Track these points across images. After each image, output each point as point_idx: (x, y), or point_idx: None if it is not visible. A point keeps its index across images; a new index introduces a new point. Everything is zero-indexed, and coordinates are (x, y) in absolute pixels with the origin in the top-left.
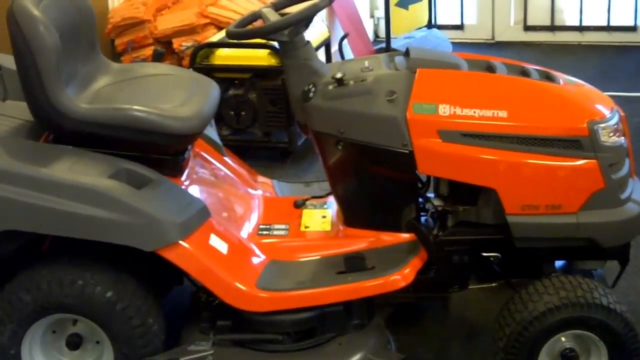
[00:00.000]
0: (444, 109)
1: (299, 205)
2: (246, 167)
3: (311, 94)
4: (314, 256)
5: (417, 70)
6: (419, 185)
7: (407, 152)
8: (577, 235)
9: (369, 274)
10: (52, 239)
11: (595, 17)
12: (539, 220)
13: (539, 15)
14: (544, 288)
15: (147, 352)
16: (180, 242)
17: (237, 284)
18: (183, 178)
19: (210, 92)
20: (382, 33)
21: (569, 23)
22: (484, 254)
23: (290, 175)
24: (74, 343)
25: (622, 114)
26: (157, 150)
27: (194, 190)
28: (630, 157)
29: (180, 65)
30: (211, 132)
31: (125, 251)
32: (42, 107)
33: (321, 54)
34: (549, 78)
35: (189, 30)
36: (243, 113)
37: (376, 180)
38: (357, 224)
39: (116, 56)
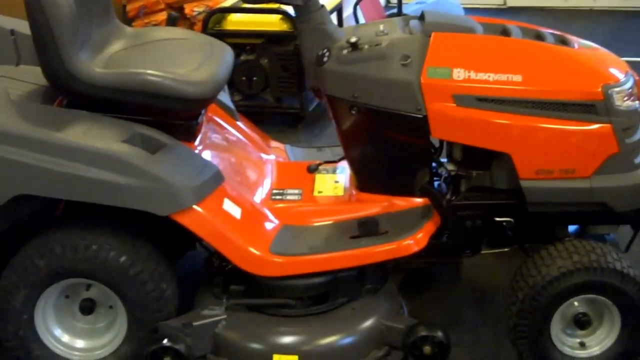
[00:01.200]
0: (459, 73)
1: (312, 170)
2: (259, 132)
3: (325, 59)
4: (327, 221)
5: (432, 34)
6: (432, 149)
7: (421, 116)
8: (590, 200)
9: (382, 239)
10: (65, 204)
11: None
12: (553, 185)
13: None
14: (557, 252)
15: (161, 316)
16: (194, 206)
17: (251, 249)
18: (196, 143)
19: (224, 56)
20: None
21: None
22: (497, 219)
23: (302, 141)
24: (87, 308)
25: (637, 77)
26: (171, 115)
27: (208, 155)
28: None
29: (192, 30)
30: (224, 97)
31: (139, 216)
32: (57, 71)
33: (333, 19)
34: (563, 42)
35: None
36: (255, 78)
37: (390, 144)
38: (370, 188)
39: (128, 22)
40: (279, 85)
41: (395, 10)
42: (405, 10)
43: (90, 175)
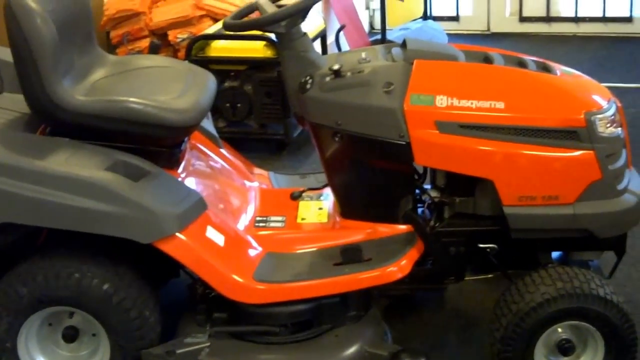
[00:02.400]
0: (441, 100)
1: (296, 197)
2: (242, 159)
3: (308, 86)
4: (311, 248)
5: (414, 61)
6: (416, 176)
7: (404, 143)
8: (574, 226)
9: (365, 266)
10: (48, 232)
11: (590, 8)
12: (536, 212)
13: (534, 6)
14: (541, 279)
15: (144, 344)
16: (177, 234)
17: (234, 276)
18: (180, 170)
19: (207, 84)
20: (378, 24)
21: (564, 14)
22: (481, 245)
23: (286, 168)
24: (70, 336)
25: (619, 104)
26: (154, 143)
27: (191, 183)
28: (627, 148)
29: (176, 57)
30: (207, 124)
31: (122, 244)
32: (39, 99)
33: (317, 46)
34: (546, 69)
35: (185, 22)
36: (239, 105)
37: (373, 171)
38: (354, 215)
39: (111, 48)
40: (263, 112)
41: (379, 37)
42: (389, 36)
43: (72, 203)
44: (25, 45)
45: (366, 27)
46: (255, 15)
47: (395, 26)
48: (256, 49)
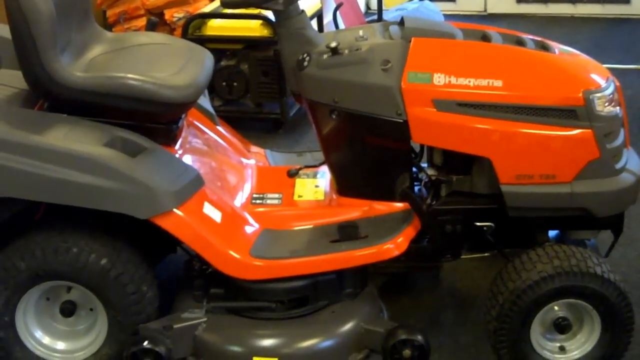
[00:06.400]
0: (439, 78)
1: (292, 174)
2: (239, 136)
3: (305, 63)
4: (308, 225)
5: (412, 39)
6: (413, 154)
7: (402, 121)
8: (571, 205)
9: (362, 243)
10: (46, 207)
11: None
12: (533, 190)
13: None
14: (538, 257)
15: (141, 319)
16: (174, 210)
17: (231, 252)
18: (177, 147)
19: (204, 61)
20: (374, 5)
21: None
22: (477, 224)
23: (282, 147)
24: (68, 310)
25: (618, 83)
26: (151, 119)
27: (188, 159)
28: (625, 127)
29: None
30: (204, 101)
31: (119, 219)
32: (37, 75)
33: (313, 25)
34: (544, 48)
35: (181, 1)
36: (235, 84)
37: (370, 149)
38: (351, 193)
39: (108, 27)
40: (260, 91)
41: (375, 17)
42: (385, 16)
43: (70, 179)
44: (23, 22)
45: (362, 8)
46: None
47: (391, 7)
48: (253, 28)
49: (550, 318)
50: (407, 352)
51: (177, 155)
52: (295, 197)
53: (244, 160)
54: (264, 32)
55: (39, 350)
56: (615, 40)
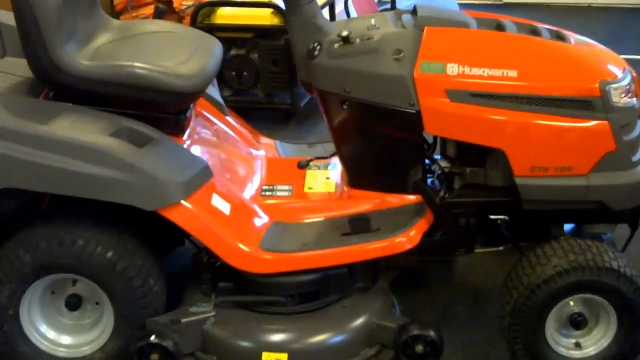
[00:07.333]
0: (452, 68)
1: (303, 166)
2: (248, 127)
3: (316, 52)
4: (318, 218)
5: (425, 28)
6: (426, 146)
7: (414, 111)
8: (587, 198)
9: (374, 236)
10: (51, 198)
11: None
12: (548, 183)
13: None
14: (553, 251)
15: (148, 313)
16: (182, 201)
17: (240, 245)
18: (185, 137)
19: (213, 49)
20: None
21: None
22: (491, 217)
23: (293, 138)
24: (74, 304)
25: (635, 74)
26: (159, 109)
27: (196, 150)
28: None
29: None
30: (213, 91)
31: (126, 211)
32: (42, 64)
33: (325, 14)
34: (560, 37)
35: None
36: (245, 73)
37: (382, 140)
38: (362, 185)
39: (115, 15)
40: (270, 81)
41: (388, 6)
42: (398, 5)
43: (76, 169)
44: (29, 9)
45: None
46: None
47: None
48: (263, 17)
49: (566, 313)
50: (419, 348)
51: (185, 146)
52: (306, 189)
53: (254, 152)
54: (275, 20)
55: (44, 345)
56: (632, 31)
